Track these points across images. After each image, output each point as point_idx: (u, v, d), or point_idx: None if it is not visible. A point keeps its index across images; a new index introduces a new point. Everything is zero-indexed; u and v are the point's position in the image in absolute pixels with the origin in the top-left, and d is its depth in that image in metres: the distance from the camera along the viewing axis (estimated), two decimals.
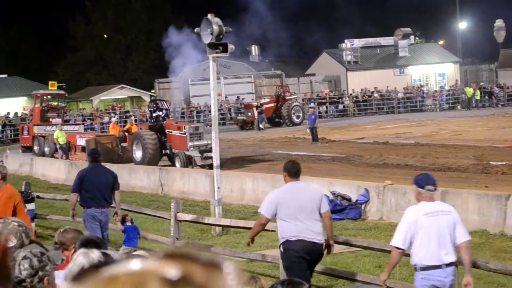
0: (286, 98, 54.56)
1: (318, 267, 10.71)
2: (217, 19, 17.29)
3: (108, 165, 23.13)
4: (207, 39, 17.41)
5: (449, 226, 8.10)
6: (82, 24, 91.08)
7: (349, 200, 18.76)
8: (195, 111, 60.66)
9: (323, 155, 32.67)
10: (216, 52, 17.57)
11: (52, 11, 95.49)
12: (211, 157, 29.27)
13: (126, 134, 35.05)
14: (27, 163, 34.22)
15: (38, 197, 17.92)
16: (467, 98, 63.87)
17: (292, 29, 61.16)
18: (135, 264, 1.12)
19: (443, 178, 23.12)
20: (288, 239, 9.48)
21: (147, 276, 1.10)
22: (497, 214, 15.71)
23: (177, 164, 30.72)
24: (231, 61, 65.29)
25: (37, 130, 40.60)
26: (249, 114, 52.92)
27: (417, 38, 79.00)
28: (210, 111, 21.06)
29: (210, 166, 28.15)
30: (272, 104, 54.41)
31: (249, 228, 11.47)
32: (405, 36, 72.30)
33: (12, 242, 5.61)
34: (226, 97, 62.79)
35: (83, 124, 51.46)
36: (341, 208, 18.48)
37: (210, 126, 20.24)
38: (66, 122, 44.07)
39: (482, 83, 67.99)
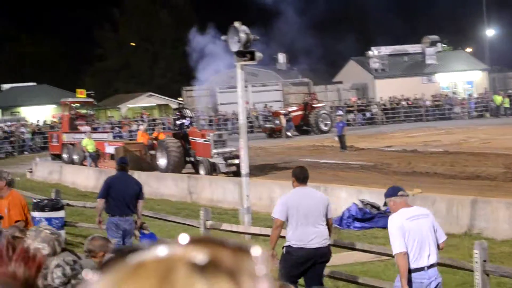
0: (314, 106, 54.39)
1: (347, 276, 10.65)
2: (244, 27, 17.32)
3: (137, 173, 23.27)
4: (234, 47, 17.44)
5: (430, 229, 8.48)
6: (110, 33, 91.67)
7: (378, 208, 18.66)
8: (222, 119, 60.73)
9: (351, 163, 32.55)
10: (244, 60, 17.59)
11: (78, 20, 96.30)
12: (235, 164, 29.47)
13: (155, 142, 35.19)
14: (56, 171, 34.47)
15: (68, 204, 18.00)
16: (496, 106, 63.40)
17: (318, 36, 60.98)
18: (162, 251, 1.11)
19: (472, 187, 23.02)
20: (291, 245, 9.83)
21: (174, 262, 1.09)
22: None
23: (201, 171, 30.77)
24: (259, 69, 65.33)
25: (66, 138, 40.74)
26: (277, 122, 52.76)
27: (444, 45, 78.55)
28: (237, 119, 21.05)
29: (235, 173, 28.26)
30: (300, 112, 54.18)
31: None
32: (433, 44, 72.04)
33: (46, 251, 5.64)
34: (254, 105, 62.82)
35: (112, 132, 51.65)
36: (370, 217, 18.42)
37: (238, 134, 20.26)
38: (94, 130, 44.22)
39: (510, 91, 67.41)
